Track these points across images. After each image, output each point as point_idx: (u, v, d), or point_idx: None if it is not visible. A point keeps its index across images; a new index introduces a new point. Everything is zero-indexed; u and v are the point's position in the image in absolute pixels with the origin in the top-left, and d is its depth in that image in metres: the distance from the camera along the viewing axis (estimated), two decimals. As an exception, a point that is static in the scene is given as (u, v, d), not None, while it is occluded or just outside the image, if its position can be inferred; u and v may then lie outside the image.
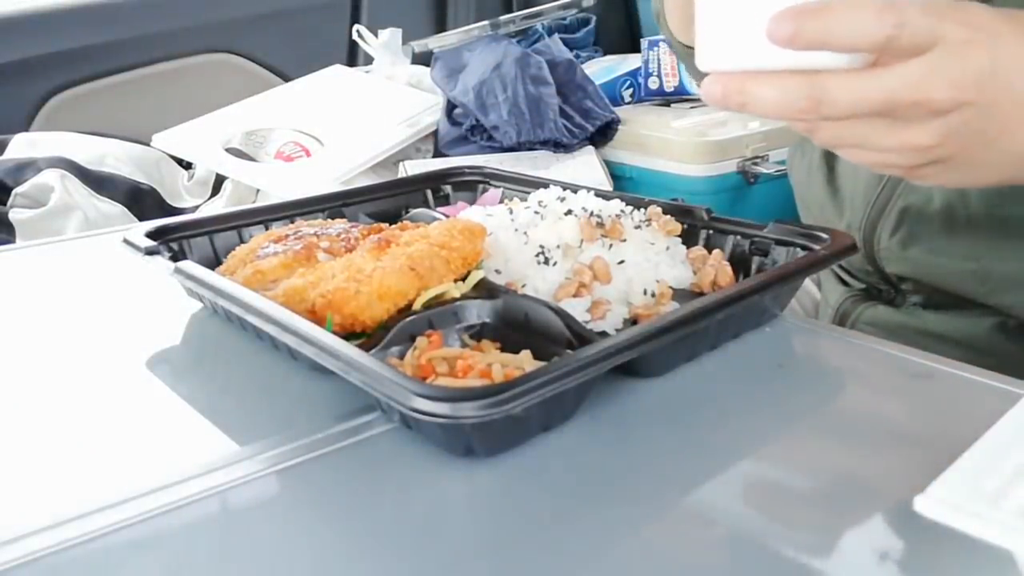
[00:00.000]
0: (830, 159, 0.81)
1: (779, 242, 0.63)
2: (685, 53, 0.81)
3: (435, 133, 1.47)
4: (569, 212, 0.64)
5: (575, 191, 0.69)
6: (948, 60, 0.44)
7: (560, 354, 0.49)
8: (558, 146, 1.39)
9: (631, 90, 1.60)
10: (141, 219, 1.36)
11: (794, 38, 0.43)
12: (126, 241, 0.64)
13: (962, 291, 0.72)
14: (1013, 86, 0.45)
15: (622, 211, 0.65)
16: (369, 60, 1.75)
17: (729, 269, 0.63)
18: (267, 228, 0.72)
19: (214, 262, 0.67)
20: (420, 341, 0.52)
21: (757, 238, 0.65)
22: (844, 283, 0.83)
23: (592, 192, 0.69)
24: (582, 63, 1.57)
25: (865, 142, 0.48)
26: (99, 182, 1.41)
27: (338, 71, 1.69)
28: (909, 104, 0.44)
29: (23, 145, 1.46)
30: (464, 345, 0.54)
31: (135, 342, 0.61)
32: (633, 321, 0.58)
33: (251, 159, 1.41)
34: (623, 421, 0.49)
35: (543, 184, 0.73)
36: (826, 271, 0.85)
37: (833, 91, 0.44)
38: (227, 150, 1.41)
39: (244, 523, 0.42)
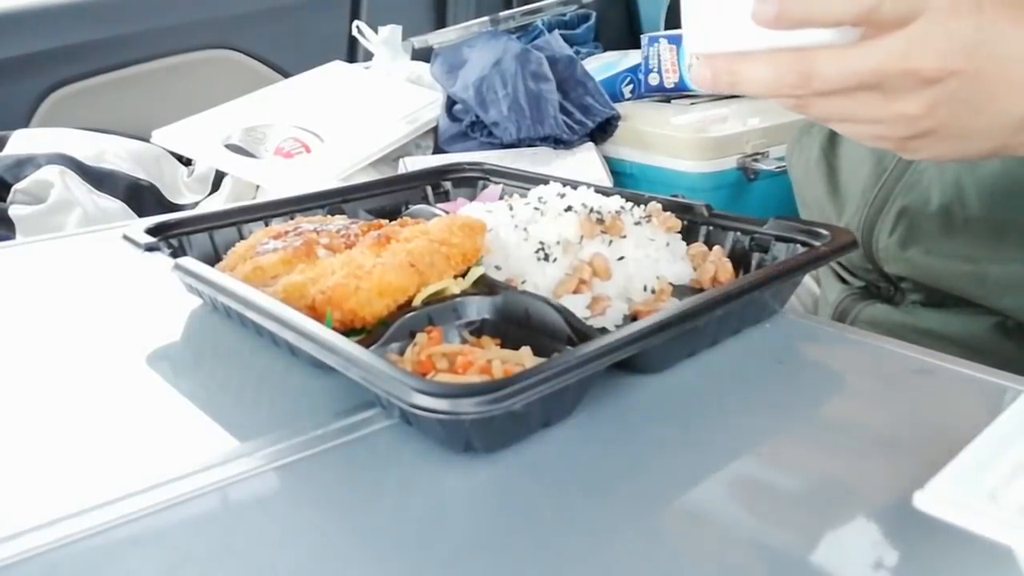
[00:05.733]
0: (829, 156, 0.81)
1: (779, 238, 0.63)
2: None
3: (435, 129, 1.46)
4: (569, 208, 0.63)
5: (575, 187, 0.69)
6: (934, 29, 0.44)
7: (560, 350, 0.49)
8: (558, 142, 1.39)
9: (631, 86, 1.60)
10: (140, 215, 1.36)
11: (778, 19, 0.44)
12: (126, 237, 0.64)
13: (960, 292, 0.71)
14: (999, 54, 0.45)
15: (622, 207, 0.65)
16: (369, 56, 1.75)
17: (729, 265, 0.63)
18: (267, 224, 0.72)
19: (214, 258, 0.67)
20: (420, 337, 0.52)
21: (757, 234, 0.65)
22: (843, 281, 0.83)
23: (592, 188, 0.69)
24: (582, 59, 1.57)
25: (855, 115, 0.48)
26: (99, 178, 1.41)
27: (338, 67, 1.68)
28: (898, 75, 0.45)
29: (23, 141, 1.46)
30: (464, 341, 0.54)
31: (135, 338, 0.61)
32: (633, 317, 0.58)
33: (251, 155, 1.41)
34: (623, 417, 0.49)
35: (543, 180, 0.73)
36: (825, 269, 0.85)
37: (823, 66, 0.45)
38: (227, 146, 1.41)
39: (244, 519, 0.42)
